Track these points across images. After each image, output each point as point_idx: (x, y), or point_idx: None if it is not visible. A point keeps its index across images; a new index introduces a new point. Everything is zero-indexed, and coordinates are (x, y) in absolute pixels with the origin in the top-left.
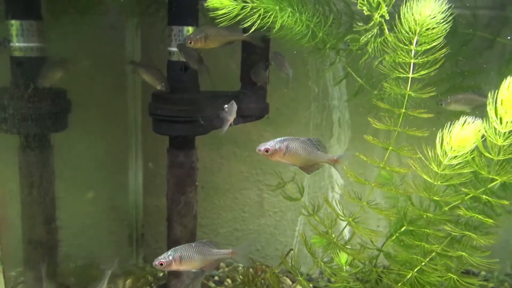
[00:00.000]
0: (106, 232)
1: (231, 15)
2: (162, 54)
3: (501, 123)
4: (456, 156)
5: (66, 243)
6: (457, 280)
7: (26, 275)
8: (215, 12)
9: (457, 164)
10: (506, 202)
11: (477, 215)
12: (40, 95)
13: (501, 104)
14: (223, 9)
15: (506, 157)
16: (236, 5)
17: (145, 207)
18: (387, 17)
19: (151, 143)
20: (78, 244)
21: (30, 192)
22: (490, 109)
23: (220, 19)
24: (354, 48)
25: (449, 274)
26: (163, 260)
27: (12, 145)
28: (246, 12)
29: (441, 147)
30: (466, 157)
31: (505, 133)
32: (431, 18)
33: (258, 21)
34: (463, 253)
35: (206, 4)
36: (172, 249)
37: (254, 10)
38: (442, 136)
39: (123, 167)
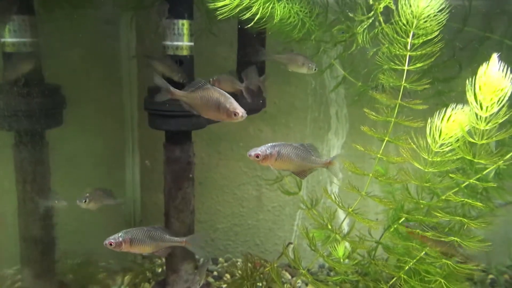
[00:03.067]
0: (104, 229)
1: (230, 6)
2: (157, 48)
3: (481, 108)
4: (444, 144)
5: (63, 240)
6: (454, 269)
7: (23, 273)
8: (214, 3)
9: (447, 152)
10: (493, 185)
11: (464, 199)
12: (33, 91)
13: (480, 90)
14: (223, 0)
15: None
16: None
17: (143, 203)
18: (393, 7)
19: (147, 138)
20: (76, 241)
21: (25, 189)
22: (469, 96)
23: (220, 11)
24: (341, 39)
25: (445, 261)
26: (112, 240)
27: (7, 142)
28: (245, 3)
29: (430, 135)
30: (452, 144)
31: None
32: (430, 8)
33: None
34: (456, 238)
35: None
36: (123, 231)
37: (253, 2)
38: (431, 124)
39: (120, 163)
